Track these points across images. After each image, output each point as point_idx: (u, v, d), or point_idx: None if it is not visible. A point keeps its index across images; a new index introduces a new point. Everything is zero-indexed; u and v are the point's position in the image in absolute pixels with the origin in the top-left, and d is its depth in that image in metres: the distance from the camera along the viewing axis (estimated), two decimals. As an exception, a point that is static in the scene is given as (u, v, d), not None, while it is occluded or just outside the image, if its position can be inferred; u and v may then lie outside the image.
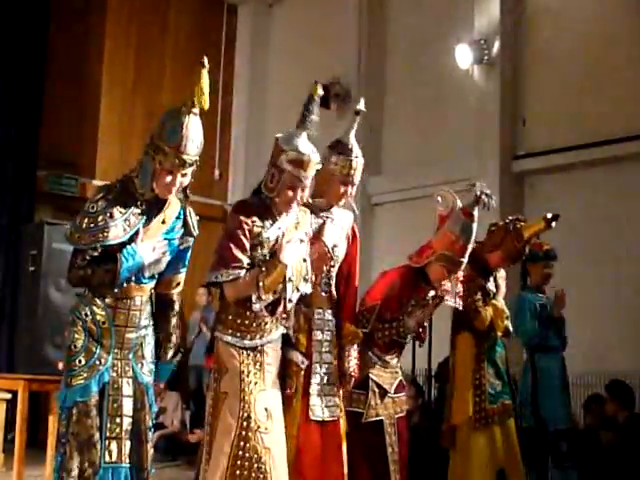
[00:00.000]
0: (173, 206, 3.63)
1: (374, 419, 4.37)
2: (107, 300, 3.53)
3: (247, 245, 3.62)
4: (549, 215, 5.06)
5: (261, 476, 3.54)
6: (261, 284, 3.58)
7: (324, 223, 4.14)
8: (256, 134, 10.46)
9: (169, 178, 3.49)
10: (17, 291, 9.04)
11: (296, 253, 3.67)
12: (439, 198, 4.38)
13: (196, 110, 3.49)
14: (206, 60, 3.55)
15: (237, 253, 3.60)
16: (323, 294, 4.12)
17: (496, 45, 8.36)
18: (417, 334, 4.52)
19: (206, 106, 3.50)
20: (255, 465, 3.54)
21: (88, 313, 3.52)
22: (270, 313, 3.68)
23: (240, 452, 3.55)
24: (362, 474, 4.28)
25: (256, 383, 3.63)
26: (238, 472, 3.54)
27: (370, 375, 4.39)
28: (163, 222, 3.59)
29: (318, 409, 4.02)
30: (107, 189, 3.56)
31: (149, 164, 3.50)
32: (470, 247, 4.34)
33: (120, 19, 10.12)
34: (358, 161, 4.17)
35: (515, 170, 8.39)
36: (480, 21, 8.50)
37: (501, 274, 5.22)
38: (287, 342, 3.83)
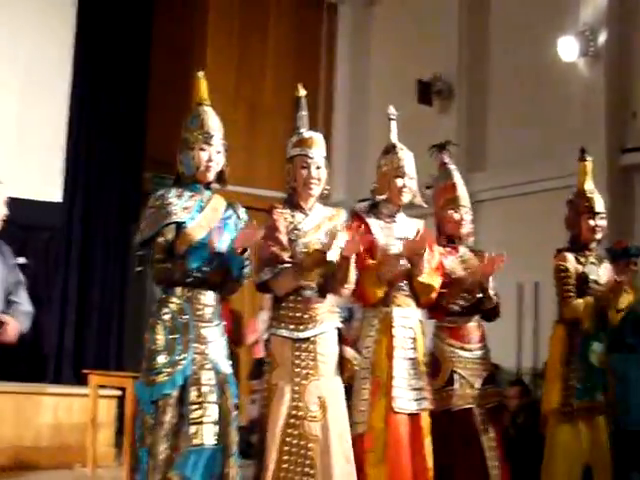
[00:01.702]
0: (218, 198, 3.97)
1: (463, 407, 4.49)
2: (184, 295, 3.78)
3: (284, 240, 3.88)
4: None
5: (307, 462, 3.75)
6: (304, 275, 3.85)
7: (391, 228, 4.38)
8: (357, 131, 10.45)
9: (204, 155, 3.87)
10: (125, 291, 9.27)
11: (337, 246, 3.88)
12: None
13: (207, 103, 4.03)
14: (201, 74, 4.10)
15: (275, 250, 3.85)
16: (403, 293, 4.32)
17: (602, 36, 8.14)
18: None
19: (207, 100, 4.04)
20: (302, 452, 3.75)
21: (167, 311, 3.78)
22: (320, 297, 3.92)
23: (288, 439, 3.76)
24: (458, 469, 4.34)
25: (308, 373, 3.85)
26: (286, 457, 3.76)
27: (455, 369, 4.55)
28: (214, 210, 3.90)
29: (403, 402, 4.17)
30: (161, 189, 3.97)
31: (185, 156, 3.91)
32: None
33: (221, 22, 10.25)
34: (403, 154, 4.42)
35: (623, 164, 8.16)
36: (585, 11, 8.29)
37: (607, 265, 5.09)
38: (341, 339, 4.01)
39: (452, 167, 4.86)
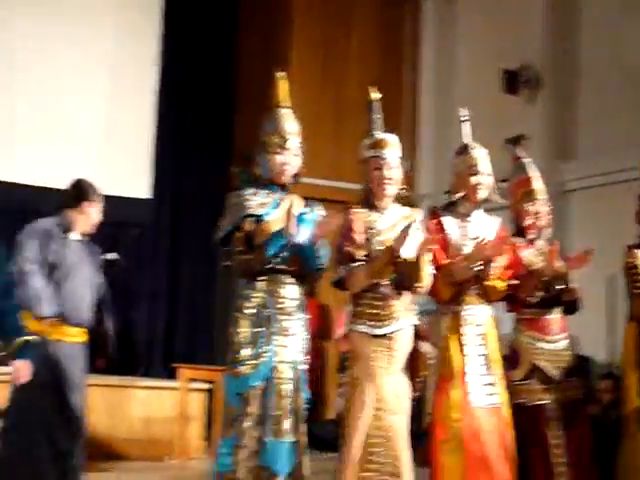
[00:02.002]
0: (294, 197, 4.10)
1: (536, 403, 4.53)
2: (266, 288, 3.94)
3: (358, 239, 4.00)
4: None
5: (392, 454, 3.90)
6: (375, 272, 3.96)
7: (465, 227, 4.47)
8: (443, 125, 10.33)
9: (280, 158, 4.02)
10: (214, 285, 9.36)
11: (412, 244, 3.95)
12: None
13: (285, 105, 4.13)
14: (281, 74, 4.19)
15: (349, 249, 3.99)
16: (473, 291, 4.39)
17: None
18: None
19: (286, 102, 4.14)
20: (388, 444, 3.89)
21: (250, 305, 3.93)
22: (397, 295, 4.03)
23: (372, 431, 3.89)
24: (532, 464, 4.40)
25: (385, 368, 3.98)
26: (370, 450, 3.89)
27: (535, 362, 4.59)
28: (290, 208, 4.02)
29: (476, 396, 4.27)
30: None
31: (262, 159, 4.09)
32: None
33: (305, 20, 10.23)
34: (476, 152, 4.50)
35: None
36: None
37: None
38: (417, 334, 4.15)
39: (527, 160, 4.91)
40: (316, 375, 7.84)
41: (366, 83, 9.71)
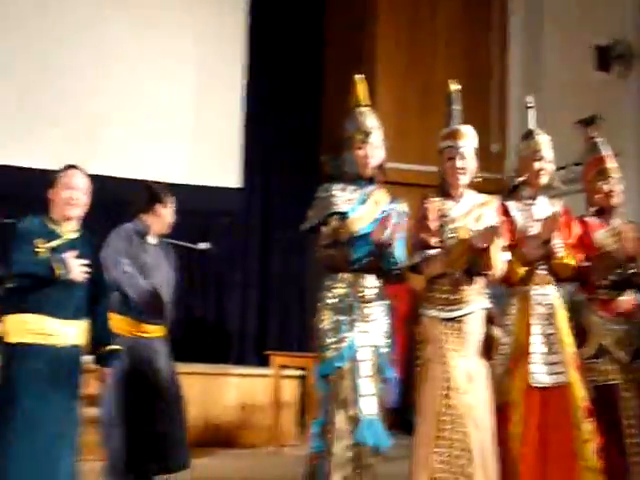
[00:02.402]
0: (381, 193, 4.34)
1: (607, 383, 4.55)
2: (347, 280, 4.18)
3: (432, 227, 4.18)
4: None
5: (462, 430, 3.99)
6: (450, 262, 4.11)
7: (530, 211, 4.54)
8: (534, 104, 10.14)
9: (362, 153, 4.26)
10: (305, 273, 9.40)
11: (484, 234, 4.08)
12: None
13: (364, 104, 4.40)
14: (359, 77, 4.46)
15: (424, 236, 4.17)
16: (541, 271, 4.45)
17: None
18: None
19: (365, 101, 4.42)
20: (457, 421, 4.01)
21: (333, 296, 4.18)
22: (469, 280, 4.16)
23: (443, 409, 4.02)
24: (605, 443, 4.36)
25: (456, 350, 4.11)
26: (442, 427, 4.02)
27: (604, 342, 4.61)
28: (376, 203, 4.26)
29: (540, 376, 4.33)
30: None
31: (346, 155, 4.33)
32: None
33: (391, 4, 10.14)
34: (540, 138, 4.60)
35: None
36: None
37: None
38: (488, 319, 4.27)
39: (599, 140, 4.90)
40: (407, 358, 7.81)
41: (453, 66, 9.74)
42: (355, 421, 4.02)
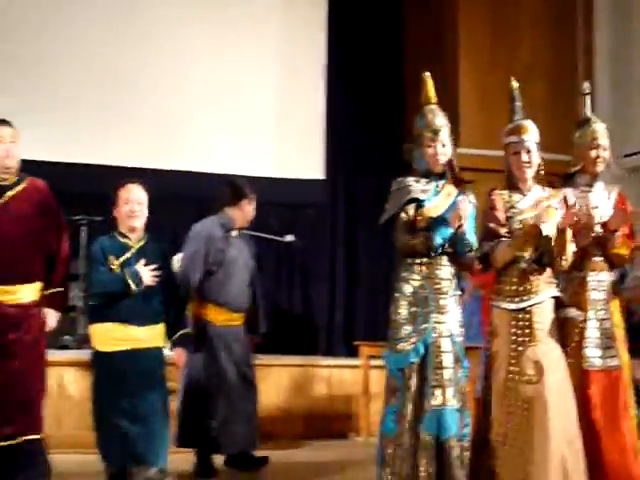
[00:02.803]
0: (451, 186, 4.50)
1: None
2: (423, 272, 4.34)
3: (501, 217, 4.29)
4: None
5: (526, 420, 4.05)
6: (518, 246, 4.21)
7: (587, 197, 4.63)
8: (621, 89, 9.90)
9: (431, 150, 4.43)
10: (391, 264, 9.34)
11: (553, 222, 4.21)
12: None
13: (433, 102, 4.58)
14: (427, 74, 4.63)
15: (492, 226, 4.29)
16: (596, 257, 4.54)
17: None
18: None
19: (433, 99, 4.60)
20: (521, 413, 4.07)
21: (409, 287, 4.35)
22: (539, 271, 4.25)
23: (508, 400, 4.12)
24: None
25: (524, 341, 4.18)
26: (508, 417, 4.11)
27: None
28: (448, 195, 4.43)
29: (594, 360, 4.44)
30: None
31: (417, 152, 4.50)
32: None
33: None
34: (597, 126, 4.69)
35: None
36: None
37: None
38: (560, 304, 4.36)
39: None
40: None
41: (539, 47, 9.55)
42: (425, 411, 4.18)
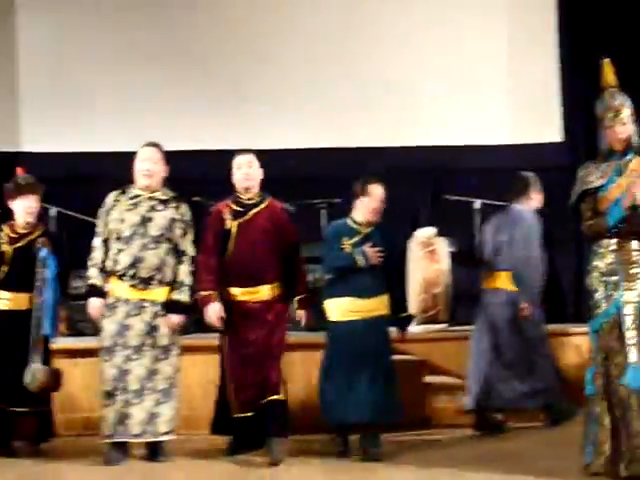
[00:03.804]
0: (638, 161, 4.73)
1: None
2: (611, 245, 4.68)
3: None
4: None
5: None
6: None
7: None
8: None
9: (612, 132, 4.73)
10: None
11: None
12: None
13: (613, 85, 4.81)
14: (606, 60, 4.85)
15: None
16: None
17: None
18: None
19: (613, 83, 4.81)
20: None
21: (599, 260, 4.73)
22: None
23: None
24: None
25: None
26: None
27: None
28: (633, 171, 4.68)
29: None
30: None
31: (600, 133, 4.82)
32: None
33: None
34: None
35: None
36: None
37: None
38: None
39: None
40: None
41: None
42: (621, 368, 4.56)
